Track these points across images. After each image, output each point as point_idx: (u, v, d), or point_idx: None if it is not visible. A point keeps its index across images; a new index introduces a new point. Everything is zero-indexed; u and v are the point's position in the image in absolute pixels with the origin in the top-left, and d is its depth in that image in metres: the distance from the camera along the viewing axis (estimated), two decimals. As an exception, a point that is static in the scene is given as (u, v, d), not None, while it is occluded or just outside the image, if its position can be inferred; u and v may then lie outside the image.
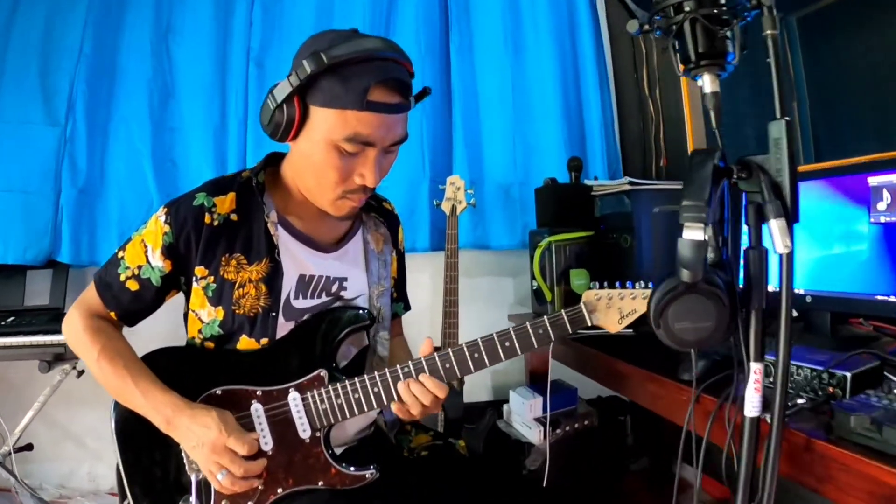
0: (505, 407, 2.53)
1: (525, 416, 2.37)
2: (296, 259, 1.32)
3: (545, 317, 1.21)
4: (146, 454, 1.26)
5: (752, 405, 0.93)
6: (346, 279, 1.39)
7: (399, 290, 1.62)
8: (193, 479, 1.22)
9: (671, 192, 2.00)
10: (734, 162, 0.91)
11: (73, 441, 2.76)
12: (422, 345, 1.27)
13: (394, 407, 1.24)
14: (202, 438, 1.16)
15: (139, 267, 1.27)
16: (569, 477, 2.32)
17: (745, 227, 0.94)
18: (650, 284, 1.19)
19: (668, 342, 0.93)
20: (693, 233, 0.85)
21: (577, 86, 2.85)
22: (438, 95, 2.75)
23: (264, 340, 1.27)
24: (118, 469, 1.29)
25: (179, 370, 1.27)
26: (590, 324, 1.22)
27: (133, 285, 1.27)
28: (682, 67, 0.97)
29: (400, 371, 1.23)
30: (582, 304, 1.23)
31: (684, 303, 0.90)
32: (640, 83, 3.01)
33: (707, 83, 0.95)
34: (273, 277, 1.28)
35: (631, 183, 2.04)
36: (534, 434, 2.32)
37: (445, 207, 2.45)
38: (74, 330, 1.29)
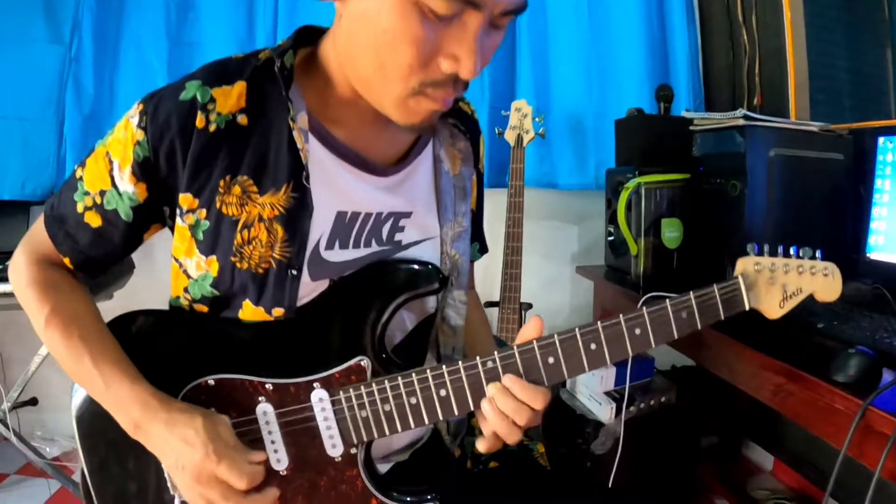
0: (569, 376, 2.13)
1: (594, 389, 2.01)
2: (334, 187, 0.88)
3: (691, 294, 0.80)
4: (118, 462, 0.90)
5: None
6: (407, 216, 0.95)
7: (476, 227, 1.15)
8: (177, 501, 0.85)
9: (798, 133, 1.62)
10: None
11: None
12: (526, 325, 0.85)
13: (481, 445, 0.85)
14: (182, 460, 0.79)
15: (102, 193, 0.86)
16: (639, 465, 1.97)
17: None
18: (818, 254, 0.85)
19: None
20: None
21: (661, 8, 2.44)
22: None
23: (278, 311, 0.86)
24: (83, 477, 0.93)
25: (157, 345, 0.90)
26: (747, 306, 0.83)
27: (94, 219, 0.87)
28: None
29: (481, 368, 0.82)
30: (739, 276, 0.83)
31: None
32: (732, 9, 2.52)
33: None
34: (297, 215, 0.85)
35: (747, 117, 1.63)
36: (604, 411, 1.96)
37: (509, 137, 2.06)
38: (18, 282, 0.90)
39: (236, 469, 0.78)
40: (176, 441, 0.79)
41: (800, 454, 2.21)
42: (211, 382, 0.86)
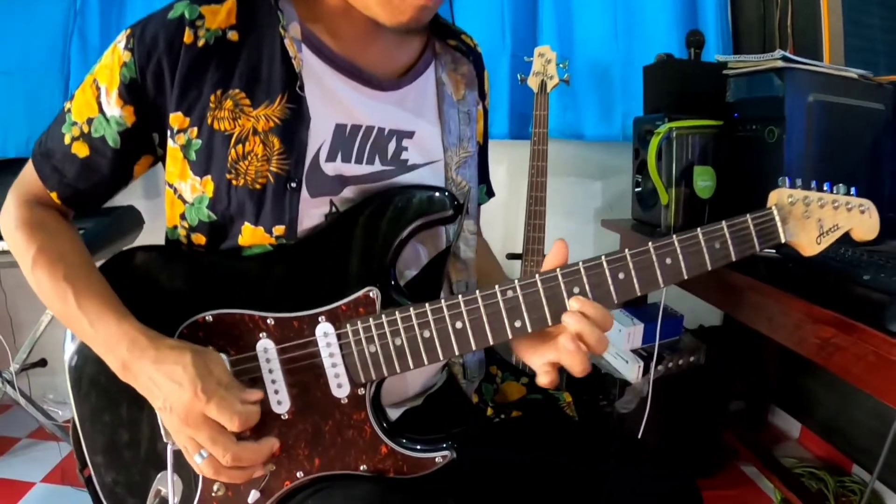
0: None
1: (620, 347, 1.92)
2: (331, 98, 0.83)
3: (723, 223, 0.74)
4: (109, 409, 0.82)
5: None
6: (409, 136, 0.88)
7: (482, 167, 1.08)
8: (169, 448, 0.77)
9: (838, 79, 1.52)
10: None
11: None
12: (550, 252, 0.77)
13: (545, 378, 0.76)
14: (170, 400, 0.71)
15: (89, 121, 0.80)
16: (665, 427, 1.88)
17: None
18: (852, 191, 0.81)
19: None
20: None
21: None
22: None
23: (279, 229, 0.79)
24: (74, 427, 0.85)
25: (155, 282, 0.82)
26: (783, 238, 0.78)
27: (81, 149, 0.82)
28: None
29: (500, 298, 0.74)
30: (773, 207, 0.77)
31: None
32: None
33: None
34: (293, 126, 0.79)
35: (786, 59, 1.52)
36: (630, 370, 1.87)
37: (532, 83, 1.95)
38: (7, 225, 0.85)
39: (227, 408, 0.70)
40: (163, 379, 0.71)
41: (828, 422, 2.13)
42: (209, 319, 0.78)
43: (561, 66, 1.95)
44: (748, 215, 0.75)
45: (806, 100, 1.48)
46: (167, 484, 0.79)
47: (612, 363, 1.93)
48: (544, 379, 0.75)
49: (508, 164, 2.38)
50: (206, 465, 0.71)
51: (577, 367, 0.72)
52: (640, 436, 1.79)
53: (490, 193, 1.14)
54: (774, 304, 1.22)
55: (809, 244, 0.79)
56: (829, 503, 1.87)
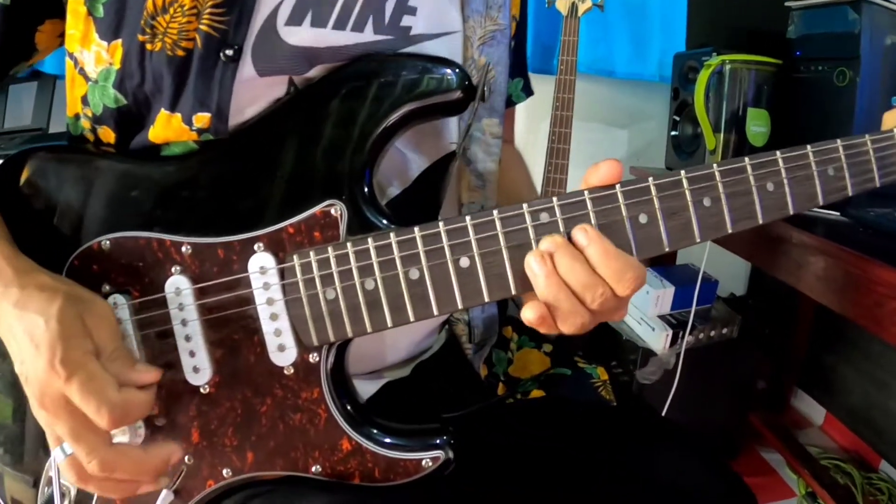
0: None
1: (647, 311, 1.68)
2: None
3: (838, 141, 0.52)
4: None
5: None
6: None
7: (517, 53, 0.80)
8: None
9: None
10: None
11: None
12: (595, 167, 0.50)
13: (530, 311, 0.47)
14: (26, 364, 0.47)
15: None
16: (688, 403, 1.64)
17: None
18: None
19: None
20: None
21: None
22: None
23: (201, 118, 0.53)
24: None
25: (46, 195, 0.56)
26: None
27: None
28: None
29: (530, 222, 0.48)
30: (894, 129, 0.56)
31: None
32: None
33: None
34: None
35: None
36: (657, 338, 1.63)
37: (561, 6, 1.69)
38: None
39: (94, 394, 0.45)
40: (21, 334, 0.46)
41: (858, 411, 1.90)
42: (105, 245, 0.53)
43: (594, -12, 1.69)
44: (867, 136, 0.54)
45: (883, 41, 1.31)
46: (54, 471, 0.54)
47: (636, 330, 1.69)
48: (528, 312, 0.47)
49: (528, 101, 2.09)
50: (67, 467, 0.47)
51: (565, 315, 0.47)
52: (665, 409, 1.56)
53: (528, 90, 0.86)
54: (846, 275, 0.99)
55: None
56: (857, 501, 1.64)
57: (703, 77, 1.41)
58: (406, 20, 0.58)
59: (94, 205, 0.54)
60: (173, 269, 0.51)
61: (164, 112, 0.53)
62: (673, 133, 1.63)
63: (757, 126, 1.44)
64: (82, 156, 0.57)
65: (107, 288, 0.52)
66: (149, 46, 0.51)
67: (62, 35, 0.59)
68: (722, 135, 1.44)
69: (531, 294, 0.47)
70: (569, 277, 0.45)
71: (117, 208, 0.54)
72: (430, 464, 0.51)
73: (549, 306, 0.46)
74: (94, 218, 0.54)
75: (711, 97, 1.44)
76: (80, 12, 0.53)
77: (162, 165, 0.54)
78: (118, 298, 0.52)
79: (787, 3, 1.48)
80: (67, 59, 0.58)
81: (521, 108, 1.95)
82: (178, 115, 0.53)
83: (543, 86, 1.79)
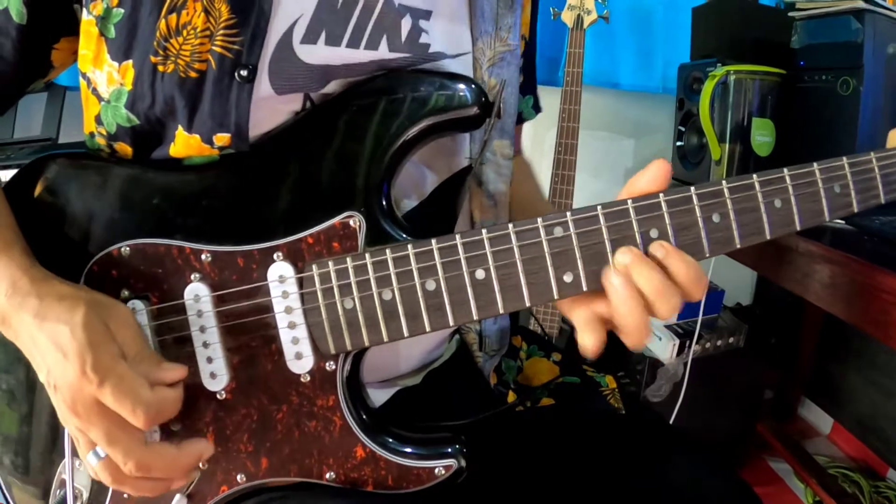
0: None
1: (653, 321, 1.63)
2: None
3: (843, 159, 0.53)
4: (7, 371, 0.59)
5: None
6: (426, 16, 0.60)
7: (528, 68, 0.80)
8: (67, 430, 0.53)
9: None
10: None
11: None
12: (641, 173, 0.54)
13: (587, 336, 0.51)
14: (54, 374, 0.48)
15: None
16: (695, 414, 1.65)
17: None
18: None
19: None
20: None
21: None
22: None
23: (222, 138, 0.54)
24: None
25: (65, 202, 0.57)
26: None
27: None
28: None
29: (544, 235, 0.49)
30: None
31: None
32: None
33: None
34: None
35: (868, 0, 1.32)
36: (664, 348, 1.64)
37: (567, 18, 1.70)
38: None
39: (128, 395, 0.45)
40: (46, 343, 0.47)
41: (865, 420, 1.90)
42: (125, 251, 0.53)
43: (600, 1, 1.70)
44: (872, 153, 0.55)
45: (887, 50, 1.30)
46: (68, 474, 0.55)
47: (643, 340, 1.69)
48: (587, 339, 0.50)
49: (538, 117, 2.11)
50: (102, 469, 0.48)
51: (633, 327, 0.48)
52: (673, 418, 1.56)
53: (537, 108, 0.87)
54: (830, 267, 1.00)
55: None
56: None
57: (707, 88, 1.42)
58: (424, 38, 0.59)
59: (113, 211, 0.55)
60: (192, 277, 0.52)
61: (182, 132, 0.54)
62: (678, 143, 1.63)
63: (762, 136, 1.44)
64: (101, 163, 0.58)
65: (125, 293, 0.53)
66: (161, 68, 0.52)
67: (77, 52, 0.60)
68: (727, 145, 1.44)
69: (577, 311, 0.51)
70: (648, 285, 0.47)
71: (137, 215, 0.54)
72: (443, 472, 0.52)
73: (616, 316, 0.48)
74: (114, 224, 0.54)
75: (716, 107, 1.45)
76: (93, 33, 0.54)
77: (183, 174, 0.55)
78: (137, 304, 0.52)
79: (790, 14, 1.48)
80: (81, 78, 0.59)
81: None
82: (197, 136, 0.53)
83: (549, 97, 1.80)
